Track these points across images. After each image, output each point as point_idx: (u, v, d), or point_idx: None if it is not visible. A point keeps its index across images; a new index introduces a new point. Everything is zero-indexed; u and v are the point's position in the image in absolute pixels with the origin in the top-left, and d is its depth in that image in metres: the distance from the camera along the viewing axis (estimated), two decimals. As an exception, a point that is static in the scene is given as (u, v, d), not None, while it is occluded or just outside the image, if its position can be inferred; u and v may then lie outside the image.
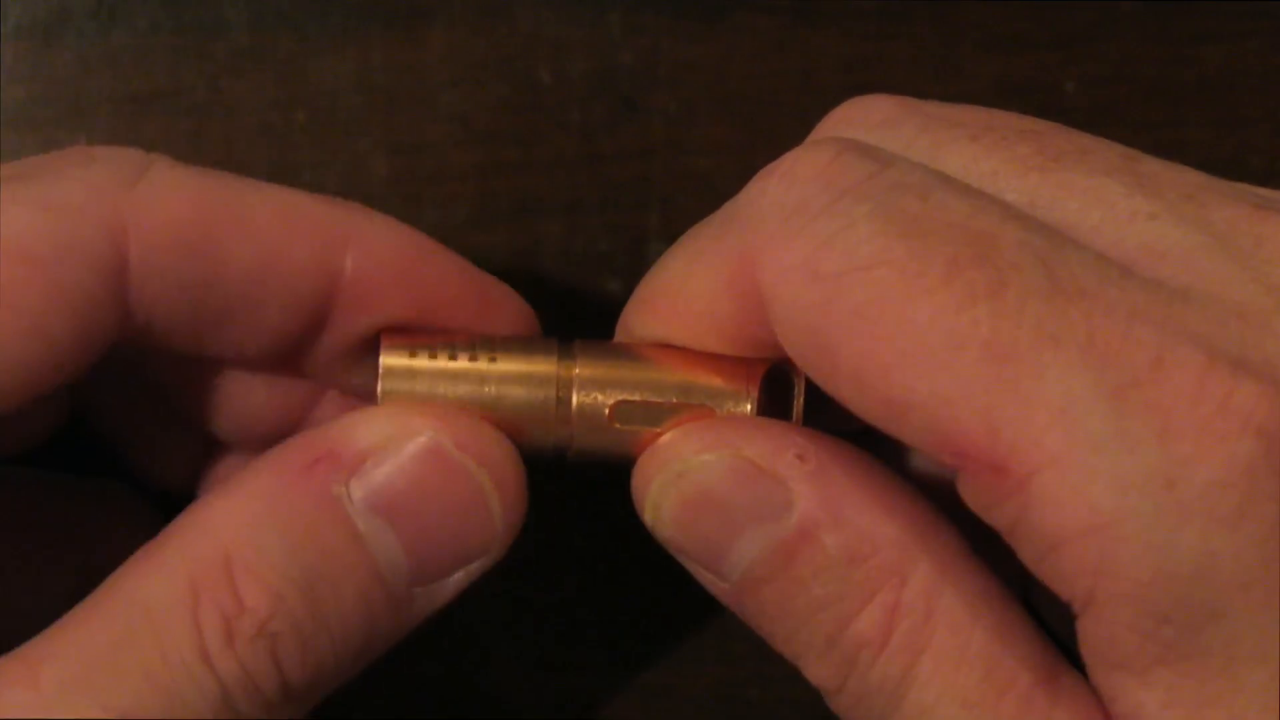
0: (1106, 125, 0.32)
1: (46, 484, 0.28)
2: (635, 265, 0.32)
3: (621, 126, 0.31)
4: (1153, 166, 0.23)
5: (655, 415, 0.25)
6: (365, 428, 0.23)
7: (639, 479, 0.25)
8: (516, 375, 0.25)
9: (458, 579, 0.24)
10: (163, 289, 0.23)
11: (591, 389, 0.25)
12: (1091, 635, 0.21)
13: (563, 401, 0.25)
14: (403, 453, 0.23)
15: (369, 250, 0.24)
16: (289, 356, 0.25)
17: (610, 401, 0.25)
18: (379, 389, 0.24)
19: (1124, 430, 0.20)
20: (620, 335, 0.26)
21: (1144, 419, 0.20)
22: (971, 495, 0.21)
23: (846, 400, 0.22)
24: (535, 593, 0.32)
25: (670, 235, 0.32)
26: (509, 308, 0.26)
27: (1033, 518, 0.20)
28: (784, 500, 0.23)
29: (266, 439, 0.26)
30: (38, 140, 0.31)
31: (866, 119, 0.24)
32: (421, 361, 0.24)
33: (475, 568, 0.24)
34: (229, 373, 0.26)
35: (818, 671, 0.24)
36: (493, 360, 0.25)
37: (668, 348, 0.25)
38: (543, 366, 0.25)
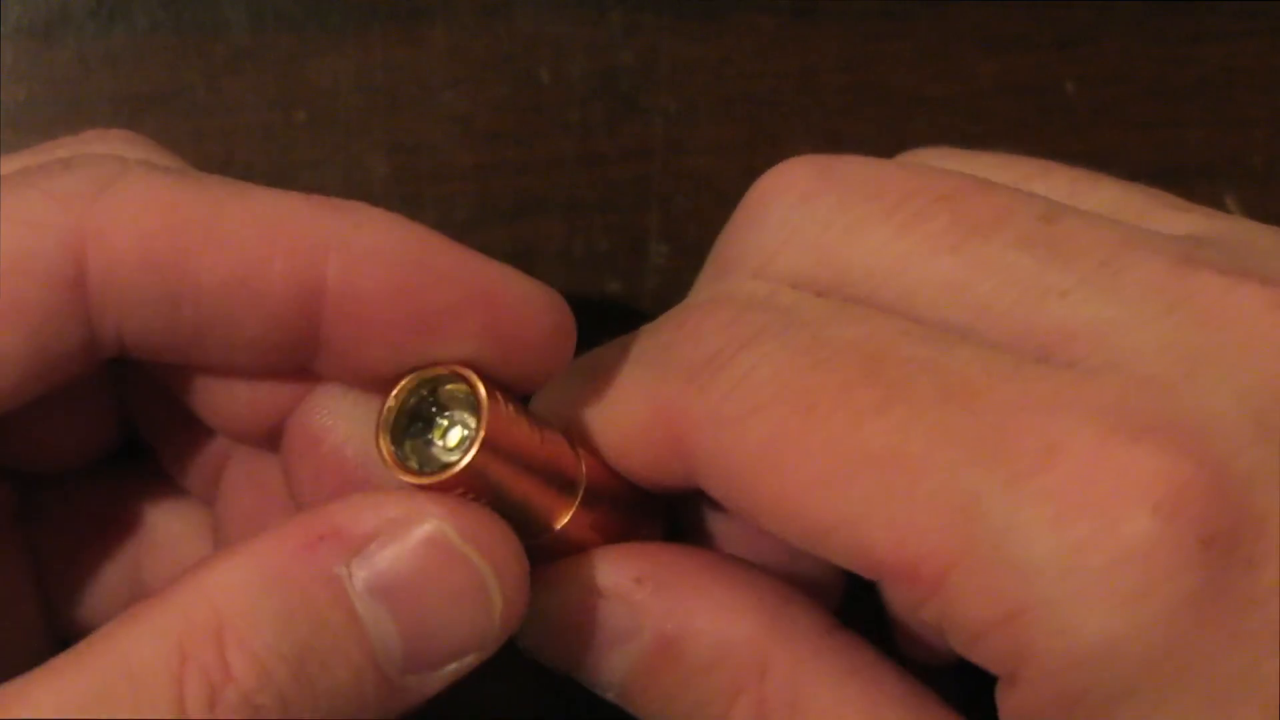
0: (1106, 125, 0.32)
1: (100, 489, 0.28)
2: (635, 265, 0.32)
3: (621, 126, 0.31)
4: (1069, 228, 0.23)
5: (612, 529, 0.25)
6: (373, 509, 0.23)
7: None
8: (552, 469, 0.24)
9: (450, 670, 0.23)
10: (128, 304, 0.22)
11: (590, 499, 0.25)
12: (1014, 709, 0.21)
13: (570, 485, 0.25)
14: (409, 539, 0.23)
15: (353, 260, 0.23)
16: (289, 360, 0.25)
17: (591, 519, 0.25)
18: (480, 435, 0.23)
19: (1020, 520, 0.20)
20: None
21: (1038, 507, 0.20)
22: (896, 602, 0.22)
23: (771, 530, 0.23)
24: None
25: (670, 235, 0.32)
26: (527, 313, 0.24)
27: (952, 615, 0.21)
28: (634, 622, 0.24)
29: (258, 428, 0.26)
30: (38, 140, 0.31)
31: (787, 193, 0.25)
32: (515, 414, 0.24)
33: (469, 660, 0.23)
34: (229, 377, 0.26)
35: None
36: (543, 442, 0.24)
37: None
38: (566, 450, 0.25)
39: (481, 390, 0.23)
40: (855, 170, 0.25)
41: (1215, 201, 0.32)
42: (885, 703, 0.23)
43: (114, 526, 0.28)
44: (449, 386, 0.24)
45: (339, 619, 0.22)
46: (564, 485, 0.25)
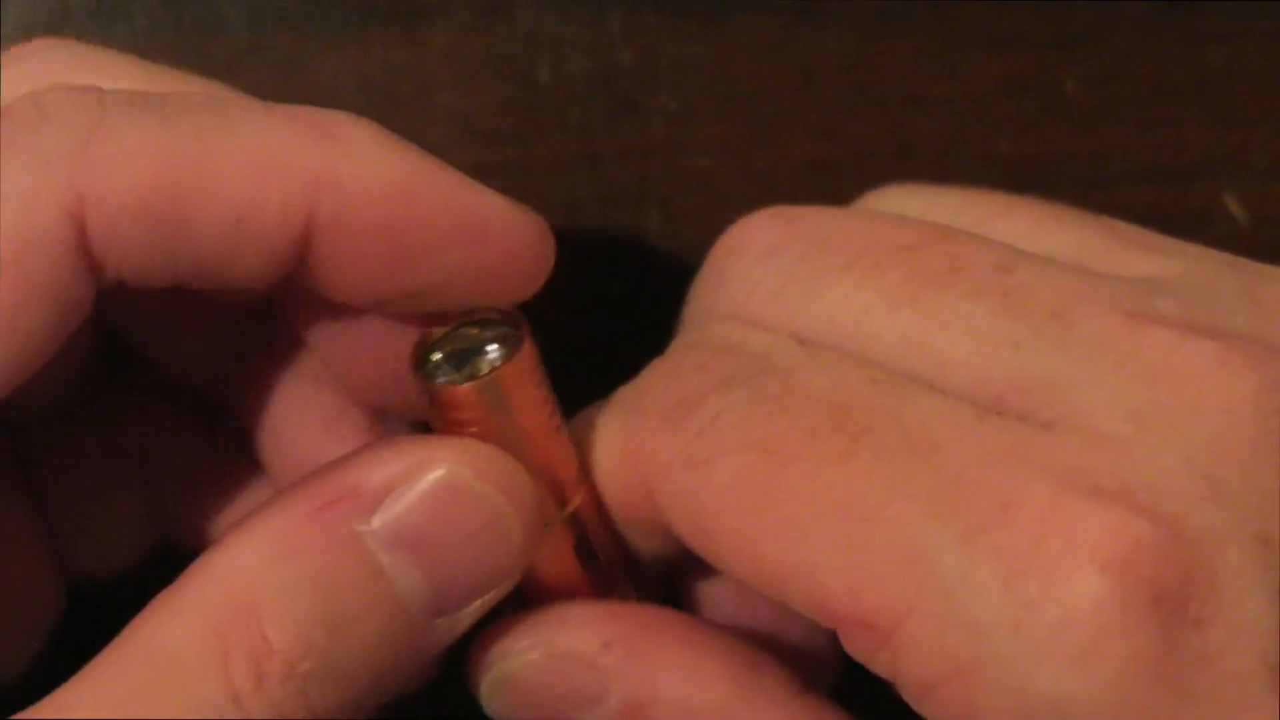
0: (1106, 125, 0.32)
1: (95, 421, 0.28)
2: (635, 265, 0.32)
3: (621, 126, 0.31)
4: (1024, 278, 0.23)
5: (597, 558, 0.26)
6: (382, 464, 0.23)
7: (471, 669, 0.25)
8: (557, 464, 0.25)
9: (476, 607, 0.24)
10: (127, 254, 0.22)
11: (574, 523, 0.25)
12: None
13: (567, 490, 0.25)
14: (422, 485, 0.23)
15: (342, 192, 0.23)
16: (282, 284, 0.24)
17: (574, 539, 0.25)
18: (504, 365, 0.24)
19: (972, 576, 0.20)
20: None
21: (991, 563, 0.20)
22: (851, 650, 0.22)
23: (735, 576, 0.23)
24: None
25: (670, 235, 0.32)
26: (512, 240, 0.24)
27: (903, 668, 0.21)
28: (600, 688, 0.24)
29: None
30: (37, 140, 0.31)
31: (751, 248, 0.25)
32: (538, 373, 0.24)
33: (493, 595, 0.24)
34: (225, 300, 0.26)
35: None
36: (559, 429, 0.25)
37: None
38: (570, 475, 0.25)
39: (524, 329, 0.24)
40: (816, 223, 0.25)
41: (1215, 201, 0.32)
42: None
43: (118, 455, 0.28)
44: (494, 333, 0.24)
45: (365, 576, 0.23)
46: (557, 486, 0.25)
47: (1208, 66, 0.32)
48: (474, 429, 0.24)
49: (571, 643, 0.25)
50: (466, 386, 0.23)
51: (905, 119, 0.31)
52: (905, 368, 0.23)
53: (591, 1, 0.31)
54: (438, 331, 0.24)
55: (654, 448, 0.24)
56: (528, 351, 0.24)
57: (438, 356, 0.24)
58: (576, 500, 0.25)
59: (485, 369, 0.24)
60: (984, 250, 0.24)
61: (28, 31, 0.31)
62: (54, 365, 0.26)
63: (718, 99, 0.31)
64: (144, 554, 0.29)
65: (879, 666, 0.22)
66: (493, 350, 0.24)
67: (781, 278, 0.25)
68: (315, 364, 0.27)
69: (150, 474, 0.28)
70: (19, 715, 0.21)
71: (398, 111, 0.31)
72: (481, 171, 0.30)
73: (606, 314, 0.31)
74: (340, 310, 0.25)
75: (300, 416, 0.27)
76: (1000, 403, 0.22)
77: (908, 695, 0.21)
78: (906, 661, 0.21)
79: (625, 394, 0.25)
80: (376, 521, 0.23)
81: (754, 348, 0.24)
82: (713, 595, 0.28)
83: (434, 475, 0.23)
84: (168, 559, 0.28)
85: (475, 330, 0.24)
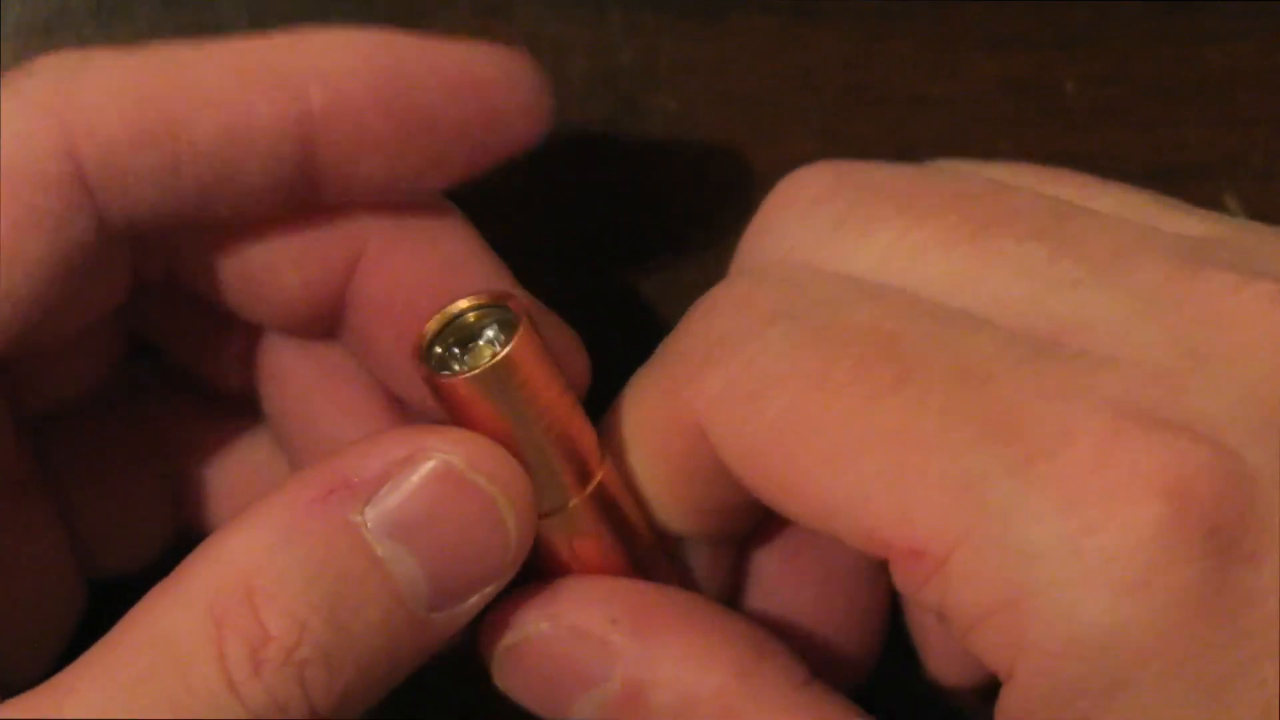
0: (1106, 125, 0.32)
1: (119, 405, 0.29)
2: (635, 265, 0.32)
3: (621, 126, 0.31)
4: (1081, 225, 0.23)
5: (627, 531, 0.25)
6: (378, 454, 0.23)
7: (482, 643, 0.26)
8: (572, 438, 0.24)
9: (473, 603, 0.24)
10: (128, 182, 0.23)
11: (597, 499, 0.25)
12: (1010, 707, 0.21)
13: (586, 469, 0.25)
14: (417, 475, 0.23)
15: (333, 85, 0.23)
16: (296, 197, 0.25)
17: (593, 521, 0.25)
18: (506, 351, 0.23)
19: (1029, 502, 0.20)
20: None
21: (1049, 489, 0.20)
22: (900, 582, 0.22)
23: (785, 512, 0.23)
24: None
25: (670, 235, 0.32)
26: (507, 84, 0.25)
27: (953, 597, 0.21)
28: (605, 666, 0.24)
29: (307, 315, 0.26)
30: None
31: (802, 196, 0.25)
32: (541, 354, 0.24)
33: (490, 590, 0.24)
34: (244, 250, 0.26)
35: None
36: (575, 405, 0.24)
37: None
38: (588, 448, 0.25)
39: (521, 312, 0.23)
40: (869, 173, 0.25)
41: (1215, 202, 0.32)
42: None
43: (139, 448, 0.28)
44: (493, 318, 0.24)
45: (362, 565, 0.23)
46: (578, 462, 0.24)
47: (1208, 66, 0.32)
48: (482, 418, 0.24)
49: (578, 617, 0.25)
50: (464, 378, 0.23)
51: (905, 119, 0.31)
52: (958, 306, 0.23)
53: (591, 1, 0.31)
54: (438, 323, 0.24)
55: (700, 385, 0.23)
56: (525, 336, 0.23)
57: (439, 350, 0.24)
58: (599, 475, 0.25)
59: (486, 357, 0.23)
60: (1038, 200, 0.24)
61: (28, 31, 0.31)
62: (78, 365, 0.26)
63: (718, 99, 0.31)
64: (165, 546, 0.29)
65: (927, 598, 0.21)
66: (489, 337, 0.24)
67: (832, 222, 0.24)
68: (336, 353, 0.27)
69: (171, 466, 0.29)
70: (16, 698, 0.22)
71: (398, 111, 0.31)
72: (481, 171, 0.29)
73: (607, 314, 0.31)
74: (361, 298, 0.26)
75: (322, 405, 0.28)
76: (1056, 340, 0.22)
77: (956, 630, 0.21)
78: (957, 591, 0.21)
79: (665, 345, 0.25)
80: (371, 511, 0.23)
81: (796, 281, 0.24)
82: (760, 573, 0.28)
83: (428, 465, 0.23)
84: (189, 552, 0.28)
85: (474, 318, 0.24)
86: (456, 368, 0.24)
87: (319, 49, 0.23)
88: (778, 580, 0.28)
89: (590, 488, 0.25)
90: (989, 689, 0.22)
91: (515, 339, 0.23)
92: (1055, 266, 0.22)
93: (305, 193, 0.24)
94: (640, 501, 0.26)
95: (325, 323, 0.26)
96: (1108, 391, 0.21)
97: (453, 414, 0.24)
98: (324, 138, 0.23)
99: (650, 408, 0.25)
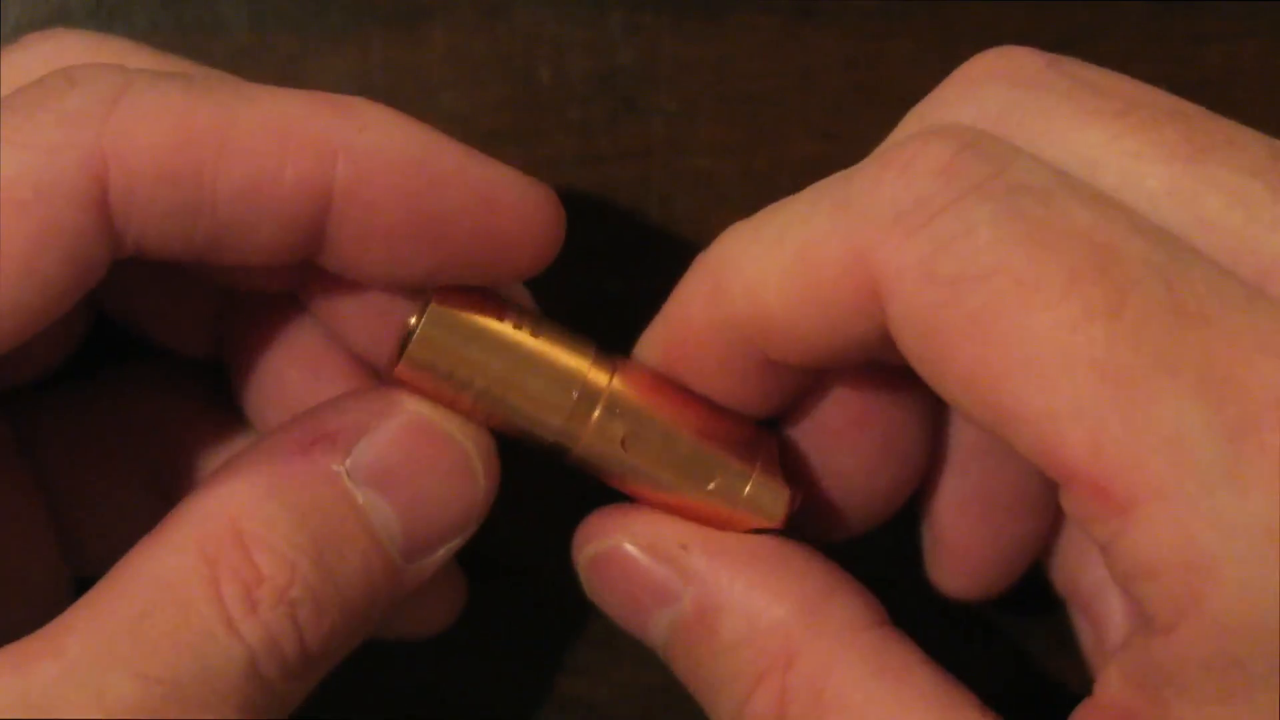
0: (1106, 125, 0.32)
1: (98, 394, 0.29)
2: (635, 265, 0.32)
3: (621, 126, 0.31)
4: None
5: (659, 457, 0.26)
6: (356, 408, 0.25)
7: (575, 549, 0.27)
8: (550, 360, 0.25)
9: (440, 556, 0.25)
10: (147, 216, 0.23)
11: (617, 407, 0.25)
12: (1159, 654, 0.21)
13: (584, 406, 0.25)
14: (393, 426, 0.24)
15: (359, 164, 0.23)
16: (297, 256, 0.25)
17: (625, 429, 0.25)
18: (416, 332, 0.25)
19: (1236, 472, 0.19)
20: (686, 299, 0.26)
21: (1258, 463, 0.19)
22: (1072, 508, 0.21)
23: (955, 403, 0.22)
24: (534, 594, 0.32)
25: (670, 235, 0.32)
26: (523, 211, 0.25)
27: (1130, 542, 0.20)
28: (677, 586, 0.25)
29: (285, 259, 0.26)
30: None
31: (1011, 76, 0.24)
32: (466, 315, 0.25)
33: (456, 544, 0.25)
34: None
35: None
36: (534, 335, 0.25)
37: (694, 398, 0.26)
38: (577, 362, 0.25)
39: (429, 298, 0.25)
40: (1084, 67, 0.24)
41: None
42: (916, 705, 0.23)
43: (128, 448, 0.29)
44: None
45: (344, 511, 0.24)
46: (577, 386, 0.25)
47: (1208, 66, 0.32)
48: (440, 395, 0.25)
49: (652, 537, 0.25)
50: (399, 368, 0.25)
51: (905, 119, 0.31)
52: (1168, 223, 0.22)
53: (591, 1, 0.31)
54: (414, 320, 0.25)
55: (888, 252, 0.22)
56: (434, 314, 0.24)
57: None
58: (604, 394, 0.25)
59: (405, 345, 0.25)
60: (1259, 137, 0.22)
61: (27, 31, 0.31)
62: (45, 346, 0.26)
63: (718, 99, 0.31)
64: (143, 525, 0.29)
65: (1099, 533, 0.21)
66: (410, 324, 0.25)
67: (1042, 106, 0.23)
68: (299, 317, 0.28)
69: (152, 451, 0.29)
70: (12, 644, 0.22)
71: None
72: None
73: (607, 314, 0.31)
74: (337, 278, 0.26)
75: (286, 367, 0.28)
76: (1262, 279, 0.21)
77: (1119, 571, 0.21)
78: (1137, 539, 0.20)
79: (843, 188, 0.23)
80: (351, 461, 0.24)
81: (1001, 153, 0.22)
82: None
83: (404, 417, 0.24)
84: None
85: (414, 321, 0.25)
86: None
87: (355, 120, 0.24)
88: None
89: (599, 403, 0.25)
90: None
91: (423, 320, 0.24)
92: (1275, 206, 0.21)
93: (305, 257, 0.24)
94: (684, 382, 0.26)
95: (296, 275, 0.27)
96: None
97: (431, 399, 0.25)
98: (337, 211, 0.24)
99: (822, 258, 0.23)
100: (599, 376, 0.25)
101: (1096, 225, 0.21)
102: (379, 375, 0.28)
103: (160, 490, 0.29)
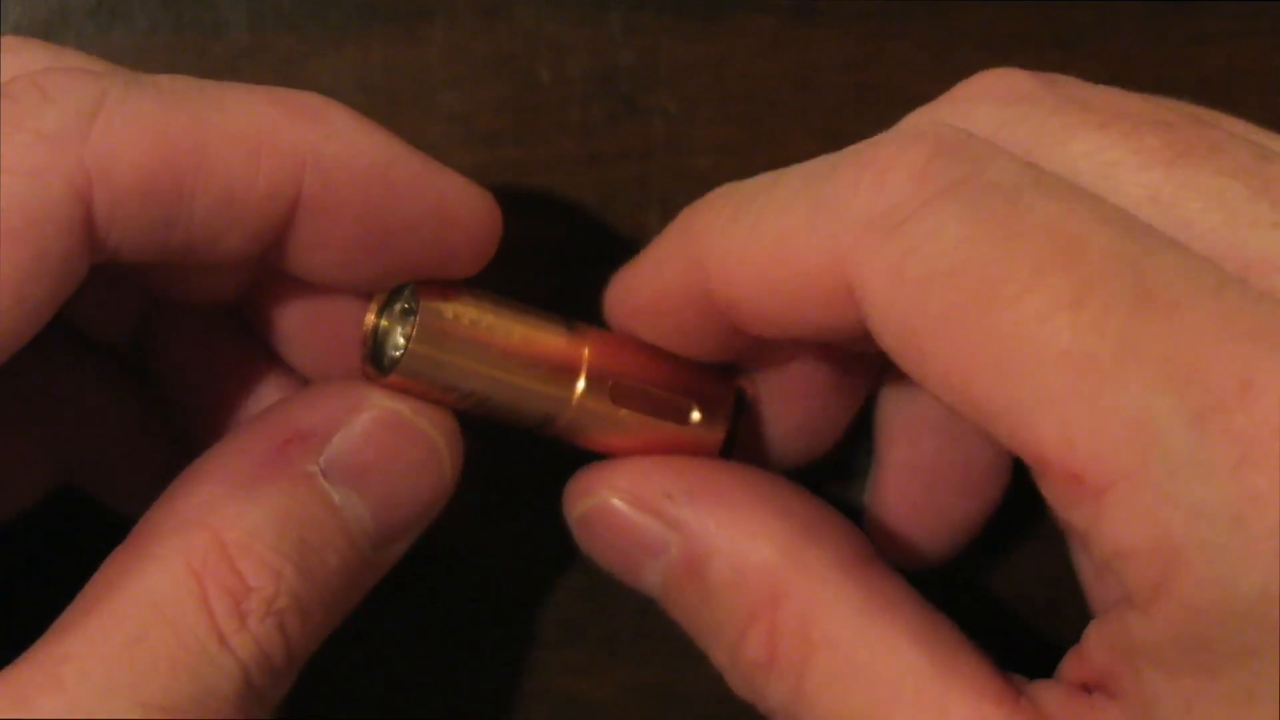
0: (1106, 125, 0.32)
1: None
2: (635, 265, 0.32)
3: (621, 126, 0.31)
4: None
5: (648, 403, 0.26)
6: (325, 405, 0.25)
7: (565, 507, 0.27)
8: (531, 345, 0.26)
9: (405, 542, 0.25)
10: (128, 230, 0.23)
11: (600, 365, 0.26)
12: (1135, 627, 0.21)
13: (568, 377, 0.26)
14: (365, 422, 0.25)
15: (326, 173, 0.24)
16: (259, 258, 0.25)
17: (610, 387, 0.26)
18: (411, 342, 0.25)
19: (1201, 457, 0.19)
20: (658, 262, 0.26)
21: (1223, 447, 0.19)
22: (1049, 495, 0.21)
23: (939, 399, 0.22)
24: (535, 593, 0.32)
25: (670, 235, 0.32)
26: (473, 220, 0.26)
27: (1103, 529, 0.20)
28: (664, 536, 0.25)
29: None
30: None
31: (1004, 94, 0.24)
32: (450, 320, 0.25)
33: (417, 530, 0.26)
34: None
35: (735, 687, 0.25)
36: (512, 322, 0.26)
37: (659, 351, 0.27)
38: (555, 339, 0.26)
39: (417, 294, 0.25)
40: (1075, 85, 0.25)
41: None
42: (904, 640, 0.23)
43: (14, 398, 0.28)
44: (405, 299, 0.26)
45: (322, 514, 0.24)
46: (560, 361, 0.26)
47: (1208, 67, 0.32)
48: (431, 394, 0.25)
49: (637, 489, 0.26)
50: (392, 379, 0.25)
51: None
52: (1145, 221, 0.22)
53: (591, 1, 0.31)
54: (374, 319, 0.26)
55: (860, 257, 0.22)
56: (425, 318, 0.25)
57: (385, 327, 0.26)
58: (583, 363, 0.26)
59: (395, 354, 0.25)
60: (1243, 141, 0.23)
61: (27, 32, 0.31)
62: None
63: (718, 99, 0.31)
64: (43, 497, 0.29)
65: (1075, 519, 0.21)
66: (399, 331, 0.25)
67: (1030, 123, 0.23)
68: (232, 325, 0.28)
69: (48, 416, 0.29)
70: (7, 670, 0.22)
71: (398, 111, 0.31)
72: (481, 171, 0.30)
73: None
74: (277, 281, 0.26)
75: (213, 365, 0.28)
76: (1245, 274, 0.21)
77: (1096, 554, 0.21)
78: (1109, 524, 0.20)
79: (821, 185, 0.23)
80: (325, 460, 0.24)
81: (976, 153, 0.22)
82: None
83: (374, 412, 0.25)
84: (68, 502, 0.29)
85: (385, 322, 0.26)
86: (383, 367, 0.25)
87: (322, 128, 0.24)
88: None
89: (580, 380, 0.26)
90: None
91: (419, 321, 0.25)
92: (1253, 205, 0.21)
93: (266, 260, 0.25)
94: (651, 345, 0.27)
95: (242, 282, 0.27)
96: None
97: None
98: (302, 223, 0.24)
99: (799, 259, 0.23)
100: (576, 346, 0.26)
101: (1063, 218, 0.21)
102: (306, 380, 0.28)
103: (53, 450, 0.29)
